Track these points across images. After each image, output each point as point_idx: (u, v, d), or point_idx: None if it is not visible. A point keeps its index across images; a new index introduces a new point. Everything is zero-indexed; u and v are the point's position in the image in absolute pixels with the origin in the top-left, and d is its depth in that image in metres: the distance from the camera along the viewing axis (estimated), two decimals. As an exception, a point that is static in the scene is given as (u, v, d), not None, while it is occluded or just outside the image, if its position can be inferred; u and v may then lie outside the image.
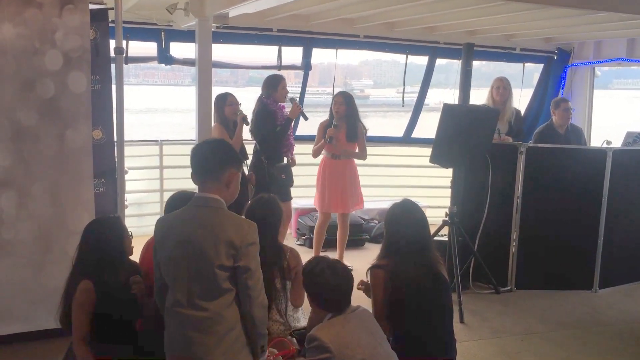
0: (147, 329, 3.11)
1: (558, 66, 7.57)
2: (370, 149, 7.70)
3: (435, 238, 5.34)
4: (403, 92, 7.59)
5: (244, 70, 16.61)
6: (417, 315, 3.11)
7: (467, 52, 5.30)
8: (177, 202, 3.21)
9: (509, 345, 4.47)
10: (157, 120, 28.29)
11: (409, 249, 3.18)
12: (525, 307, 5.21)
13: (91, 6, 4.27)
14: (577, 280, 5.62)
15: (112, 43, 4.55)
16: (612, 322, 4.96)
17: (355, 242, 6.74)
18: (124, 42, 5.70)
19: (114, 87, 4.47)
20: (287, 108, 5.58)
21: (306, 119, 5.89)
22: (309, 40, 6.77)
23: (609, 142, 5.94)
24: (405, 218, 3.29)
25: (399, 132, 7.96)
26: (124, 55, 5.78)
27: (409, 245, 3.18)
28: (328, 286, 2.74)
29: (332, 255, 5.95)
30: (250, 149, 5.70)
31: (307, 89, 7.19)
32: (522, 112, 7.50)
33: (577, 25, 6.34)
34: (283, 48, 6.75)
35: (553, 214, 5.52)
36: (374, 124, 7.45)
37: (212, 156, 2.60)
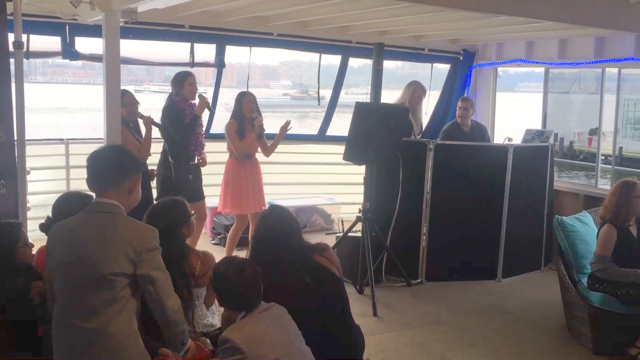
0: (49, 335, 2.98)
1: (464, 66, 7.90)
2: (285, 147, 7.74)
3: (350, 234, 5.48)
4: (318, 91, 7.68)
5: (160, 68, 16.00)
6: (310, 313, 3.04)
7: (378, 52, 5.45)
8: (67, 204, 3.11)
9: (419, 335, 4.63)
10: (65, 120, 27.02)
11: (279, 254, 3.08)
12: (435, 298, 5.42)
13: (-13, -2, 4.04)
14: (483, 270, 5.91)
15: (11, 37, 4.33)
16: (514, 309, 5.25)
17: (271, 240, 6.74)
18: (25, 36, 5.47)
19: (13, 83, 4.25)
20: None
21: (212, 112, 5.81)
22: (222, 38, 6.70)
23: (510, 139, 6.29)
24: (269, 224, 3.19)
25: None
26: (25, 50, 5.56)
27: (277, 251, 3.09)
28: (235, 286, 2.72)
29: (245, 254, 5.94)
30: (159, 147, 5.60)
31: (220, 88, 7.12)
32: (431, 111, 7.84)
33: (480, 28, 6.65)
34: (196, 45, 6.64)
35: (460, 208, 5.78)
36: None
37: (112, 165, 2.53)
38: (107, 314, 2.36)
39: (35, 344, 2.98)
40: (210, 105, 5.68)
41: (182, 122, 5.37)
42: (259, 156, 5.93)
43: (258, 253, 3.12)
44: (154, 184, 5.54)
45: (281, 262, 3.06)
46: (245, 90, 6.00)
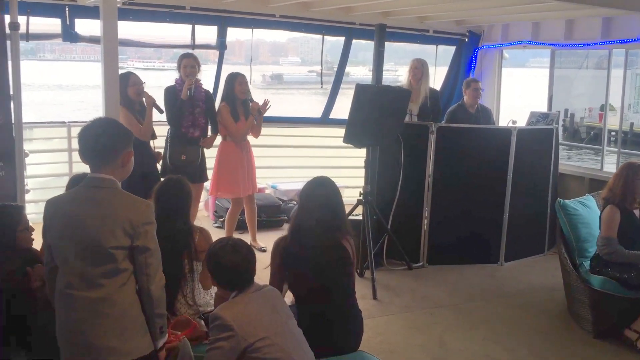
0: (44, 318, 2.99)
1: (469, 48, 7.79)
2: (288, 130, 7.71)
3: (350, 217, 5.44)
4: (321, 73, 7.62)
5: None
6: (317, 290, 3.15)
7: (380, 33, 5.38)
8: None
9: (419, 319, 4.61)
10: (69, 98, 26.99)
11: (310, 223, 3.21)
12: (436, 281, 5.39)
13: (-18, -21, 4.02)
14: (485, 254, 5.87)
15: (8, 19, 4.31)
16: (515, 293, 5.22)
17: (273, 223, 6.75)
18: (25, 18, 5.46)
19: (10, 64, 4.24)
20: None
21: (191, 95, 5.48)
22: (223, 19, 6.63)
23: (514, 122, 6.21)
24: (312, 193, 3.32)
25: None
26: (26, 32, 5.55)
27: (311, 219, 3.22)
28: (227, 264, 2.73)
29: (247, 237, 5.94)
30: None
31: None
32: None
33: (485, 9, 6.54)
34: (197, 27, 6.59)
35: (462, 191, 5.72)
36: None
37: (105, 140, 2.51)
38: (112, 285, 2.40)
39: (26, 332, 3.00)
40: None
41: (174, 103, 5.44)
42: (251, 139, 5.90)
43: (297, 227, 3.25)
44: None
45: (313, 239, 3.17)
46: (236, 71, 5.89)
